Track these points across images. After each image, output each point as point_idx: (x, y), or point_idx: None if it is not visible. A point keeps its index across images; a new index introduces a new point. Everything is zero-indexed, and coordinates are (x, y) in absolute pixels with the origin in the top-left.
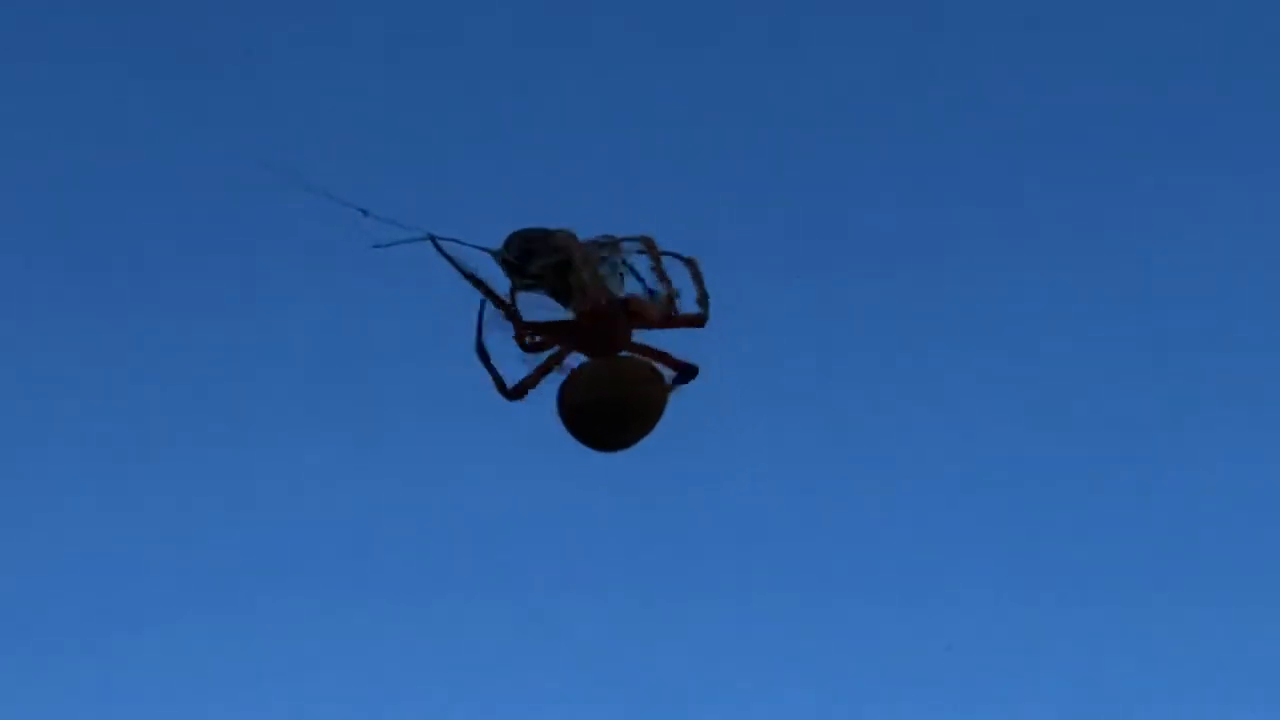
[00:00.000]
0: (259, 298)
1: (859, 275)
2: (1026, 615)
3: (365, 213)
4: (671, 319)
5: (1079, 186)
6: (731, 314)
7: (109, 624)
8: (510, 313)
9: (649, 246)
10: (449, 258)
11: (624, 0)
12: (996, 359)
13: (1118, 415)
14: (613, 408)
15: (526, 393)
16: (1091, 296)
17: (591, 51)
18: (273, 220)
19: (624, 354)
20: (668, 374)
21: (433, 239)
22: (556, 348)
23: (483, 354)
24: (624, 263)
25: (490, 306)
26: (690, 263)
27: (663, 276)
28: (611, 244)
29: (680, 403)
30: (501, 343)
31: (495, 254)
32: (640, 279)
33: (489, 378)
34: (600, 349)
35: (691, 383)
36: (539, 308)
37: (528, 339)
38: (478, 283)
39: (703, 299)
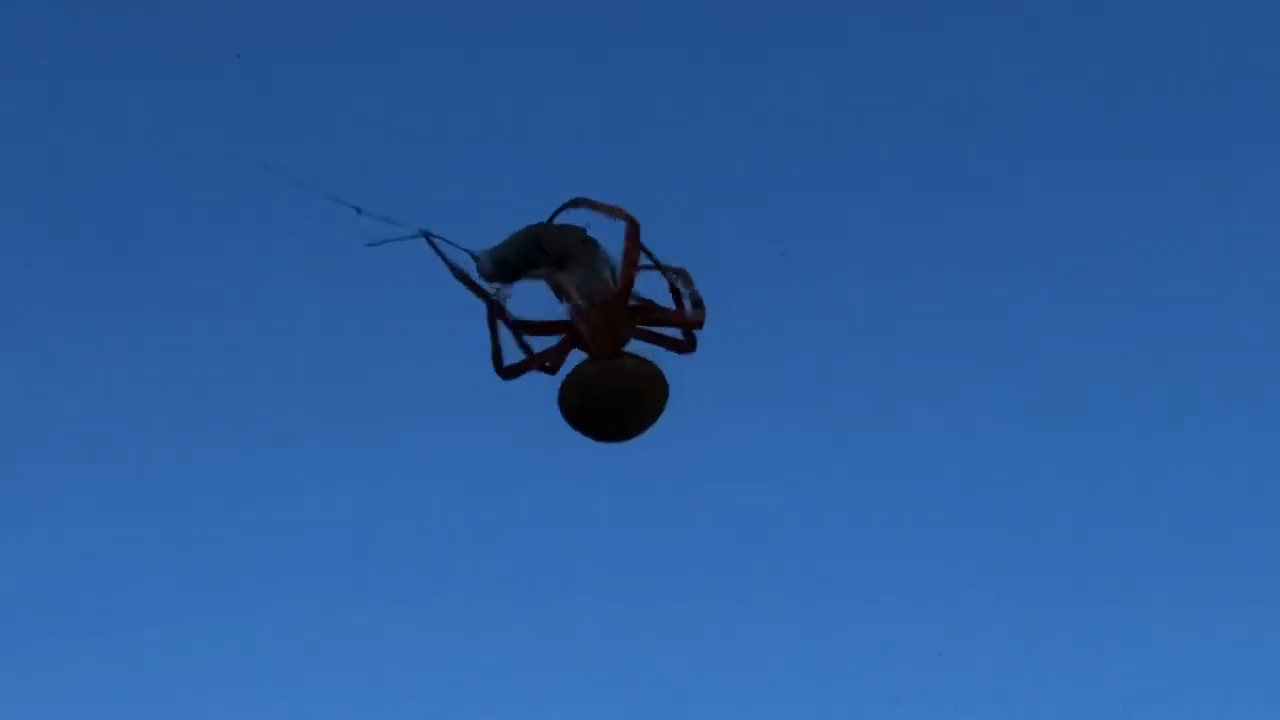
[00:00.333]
0: (254, 295)
1: (858, 275)
2: (1027, 615)
3: (360, 210)
4: (669, 318)
5: (1078, 186)
6: (730, 313)
7: (112, 623)
8: (500, 312)
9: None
10: (442, 256)
11: None
12: (996, 358)
13: (1118, 413)
14: (614, 406)
15: (519, 375)
16: (1092, 296)
17: (588, 48)
18: (268, 217)
19: (625, 352)
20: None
21: (427, 236)
22: (557, 338)
23: (493, 323)
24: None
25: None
26: (680, 272)
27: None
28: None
29: (681, 400)
30: (510, 337)
31: (479, 259)
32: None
33: (490, 347)
34: (601, 348)
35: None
36: (531, 304)
37: (525, 337)
38: (469, 282)
39: (697, 302)
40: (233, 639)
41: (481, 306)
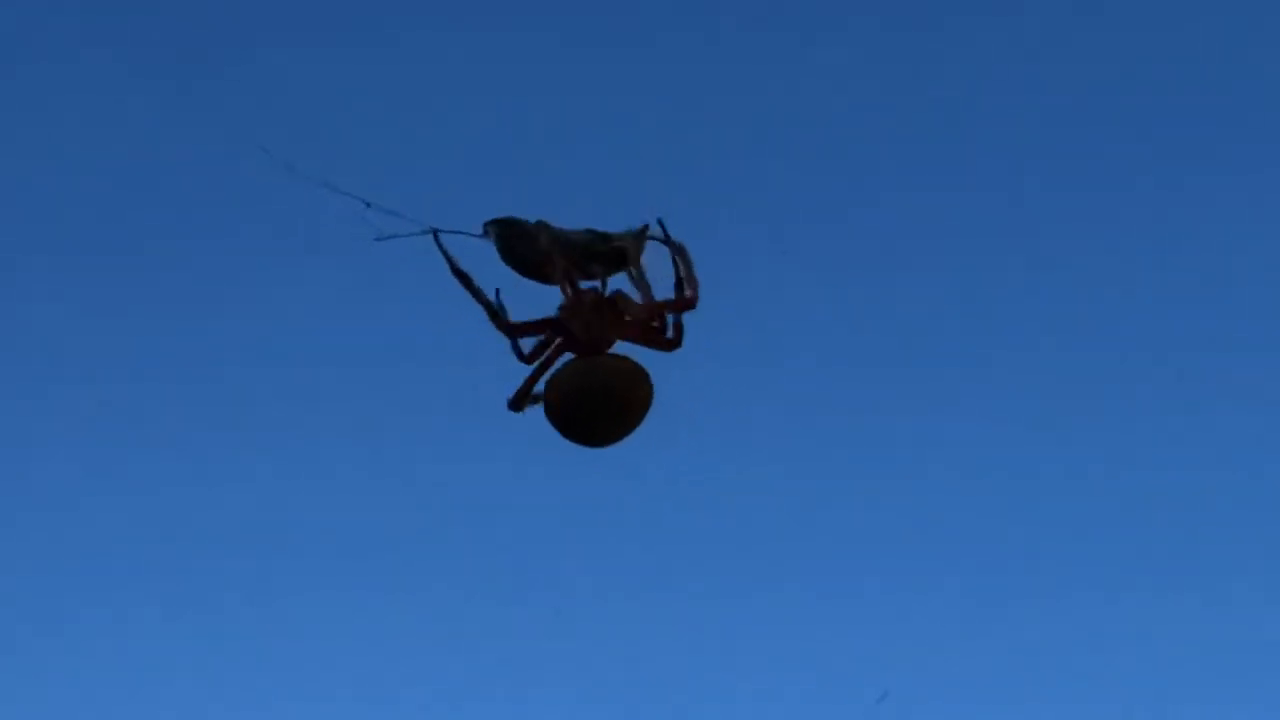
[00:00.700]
0: (261, 290)
1: (858, 268)
2: (1028, 612)
3: (368, 205)
4: (660, 305)
5: (1079, 185)
6: (725, 304)
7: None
8: (496, 316)
9: (640, 238)
10: (447, 255)
11: None
12: (995, 352)
13: (1121, 406)
14: (592, 405)
15: (526, 398)
16: (1093, 289)
17: (592, 41)
18: (276, 212)
19: (610, 352)
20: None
21: (435, 233)
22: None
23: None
24: (610, 255)
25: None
26: (679, 249)
27: (641, 278)
28: (595, 238)
29: (669, 396)
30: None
31: (495, 232)
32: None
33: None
34: (585, 347)
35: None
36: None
37: (524, 349)
38: (469, 284)
39: (692, 283)
40: (230, 639)
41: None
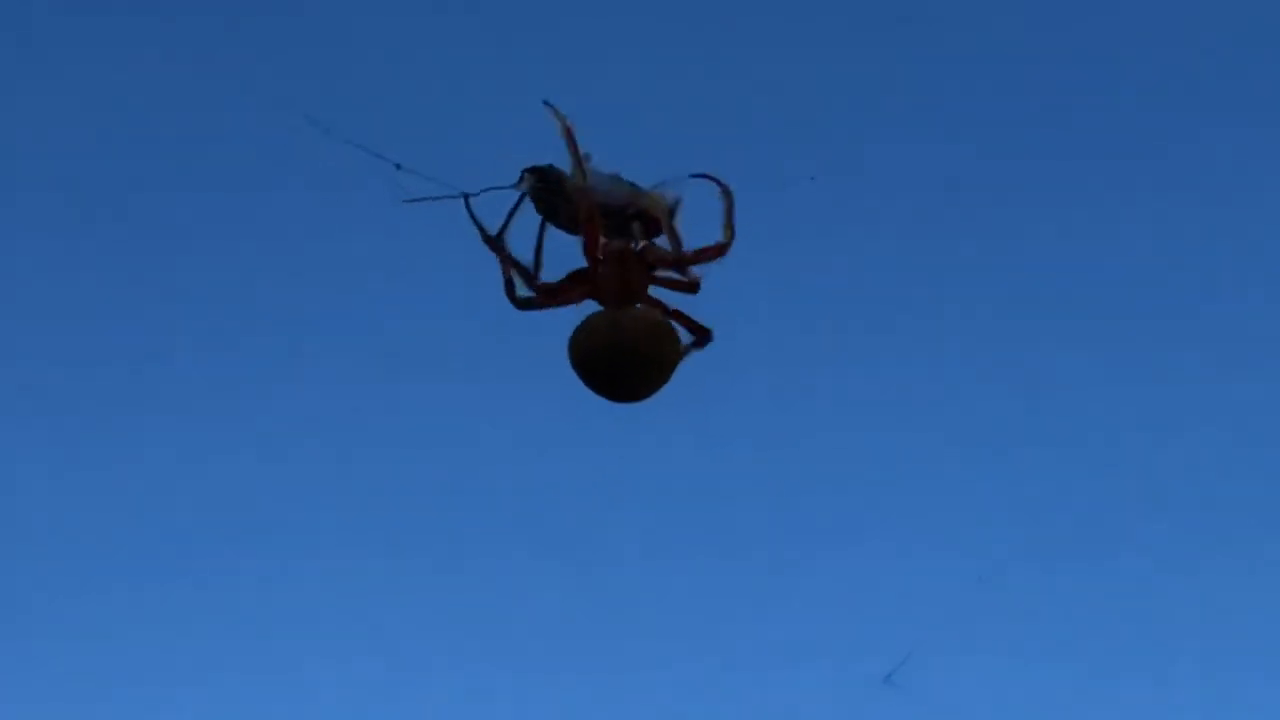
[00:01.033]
0: (290, 248)
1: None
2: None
3: (399, 167)
4: (692, 256)
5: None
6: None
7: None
8: (528, 277)
9: (726, 200)
10: (475, 220)
11: None
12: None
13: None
14: (622, 358)
15: (532, 307)
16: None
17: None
18: (306, 173)
19: (639, 306)
20: (683, 335)
21: (465, 197)
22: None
23: (500, 250)
24: (643, 210)
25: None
26: (727, 192)
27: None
28: (632, 193)
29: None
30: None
31: (526, 182)
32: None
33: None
34: (614, 298)
35: (705, 348)
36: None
37: (544, 298)
38: (498, 248)
39: (728, 228)
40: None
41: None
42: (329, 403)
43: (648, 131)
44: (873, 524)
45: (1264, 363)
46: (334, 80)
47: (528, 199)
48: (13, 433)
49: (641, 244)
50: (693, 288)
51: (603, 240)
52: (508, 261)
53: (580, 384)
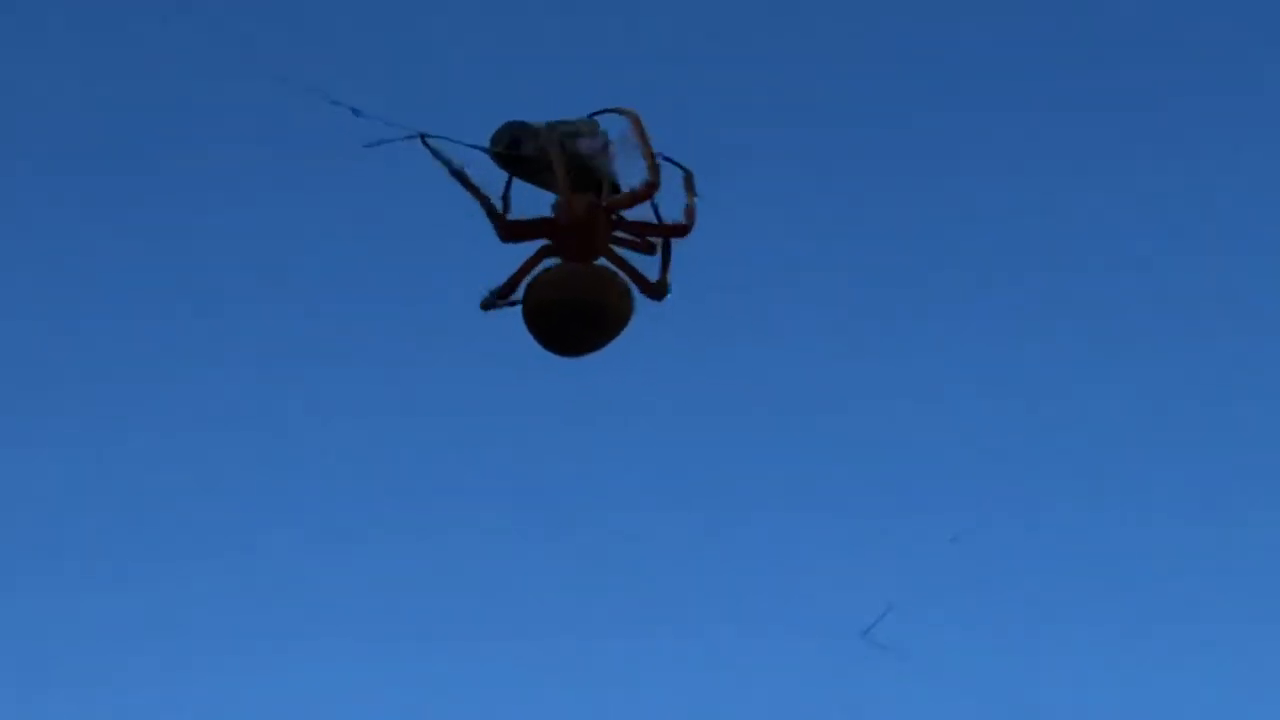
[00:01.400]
0: (251, 196)
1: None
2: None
3: (357, 112)
4: (653, 226)
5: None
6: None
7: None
8: (494, 214)
9: (634, 123)
10: (439, 156)
11: None
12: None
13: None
14: (571, 311)
15: (506, 296)
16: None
17: None
18: (264, 118)
19: (599, 261)
20: (635, 290)
21: (423, 137)
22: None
23: (470, 186)
24: (605, 149)
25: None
26: (687, 173)
27: (648, 156)
28: (591, 130)
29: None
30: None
31: (487, 150)
32: (620, 168)
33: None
34: (576, 253)
35: (659, 302)
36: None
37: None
38: (466, 181)
39: (690, 209)
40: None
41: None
42: (301, 354)
43: (599, 76)
44: (851, 482)
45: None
46: (291, 30)
47: (486, 152)
48: None
49: (608, 202)
50: (682, 231)
51: (573, 196)
52: (475, 193)
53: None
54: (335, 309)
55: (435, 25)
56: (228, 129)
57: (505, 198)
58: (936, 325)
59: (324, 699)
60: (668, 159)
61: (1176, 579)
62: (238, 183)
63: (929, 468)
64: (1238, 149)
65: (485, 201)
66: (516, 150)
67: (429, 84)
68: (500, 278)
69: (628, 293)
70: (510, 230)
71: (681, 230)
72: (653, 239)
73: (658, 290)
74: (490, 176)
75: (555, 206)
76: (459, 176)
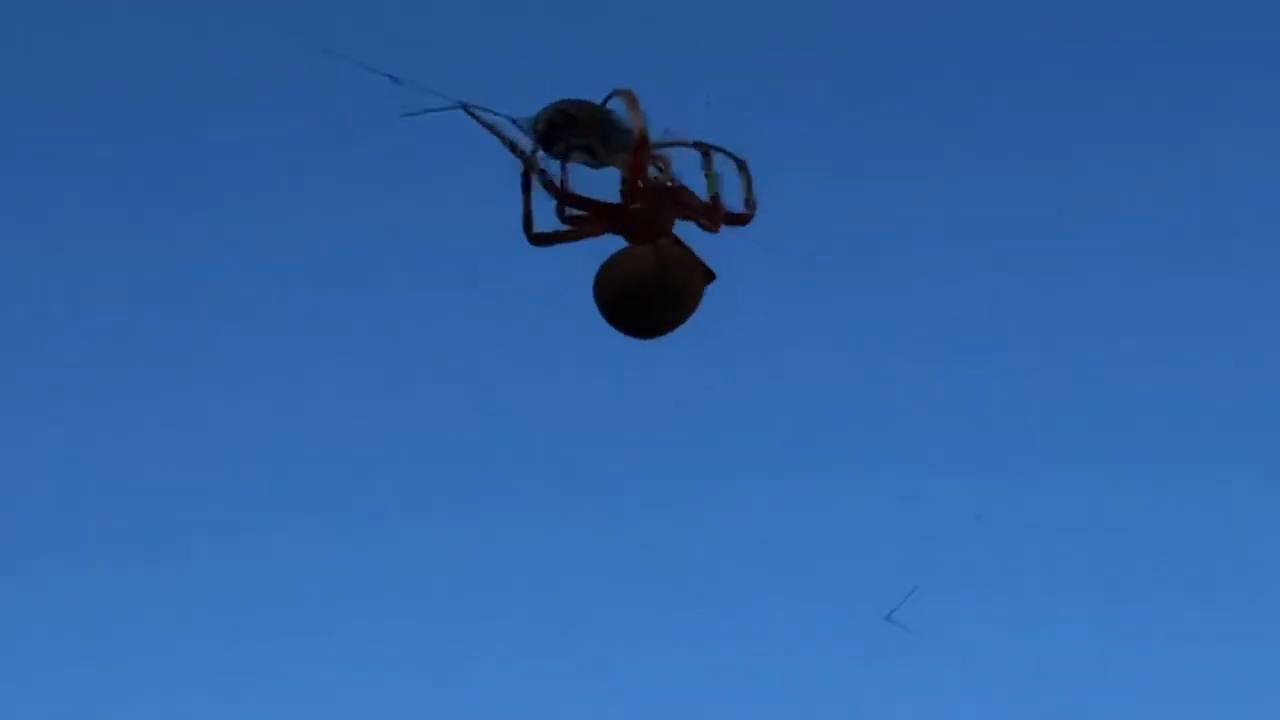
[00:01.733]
0: (288, 166)
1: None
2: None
3: (396, 80)
4: (716, 216)
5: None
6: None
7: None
8: (550, 183)
9: (701, 150)
10: (486, 125)
11: None
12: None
13: None
14: (656, 294)
15: (550, 245)
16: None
17: None
18: (303, 88)
19: (663, 241)
20: None
21: (465, 106)
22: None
23: (526, 187)
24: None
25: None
26: (740, 163)
27: (711, 177)
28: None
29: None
30: (544, 204)
31: (528, 123)
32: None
33: (521, 211)
34: (642, 234)
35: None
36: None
37: (568, 210)
38: (517, 150)
39: (750, 200)
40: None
41: (516, 172)
42: (333, 325)
43: (639, 52)
44: (874, 460)
45: None
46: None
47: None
48: None
49: (673, 184)
50: (743, 219)
51: (642, 177)
52: (525, 160)
53: (596, 314)
54: (372, 284)
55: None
56: (264, 98)
57: (562, 171)
58: (964, 306)
59: (323, 699)
60: (718, 149)
61: (1215, 558)
62: (272, 151)
63: (954, 444)
64: None
65: (540, 172)
66: (570, 128)
67: (467, 56)
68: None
69: (699, 272)
70: (570, 204)
71: (743, 219)
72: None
73: (709, 276)
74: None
75: (623, 188)
76: (506, 142)
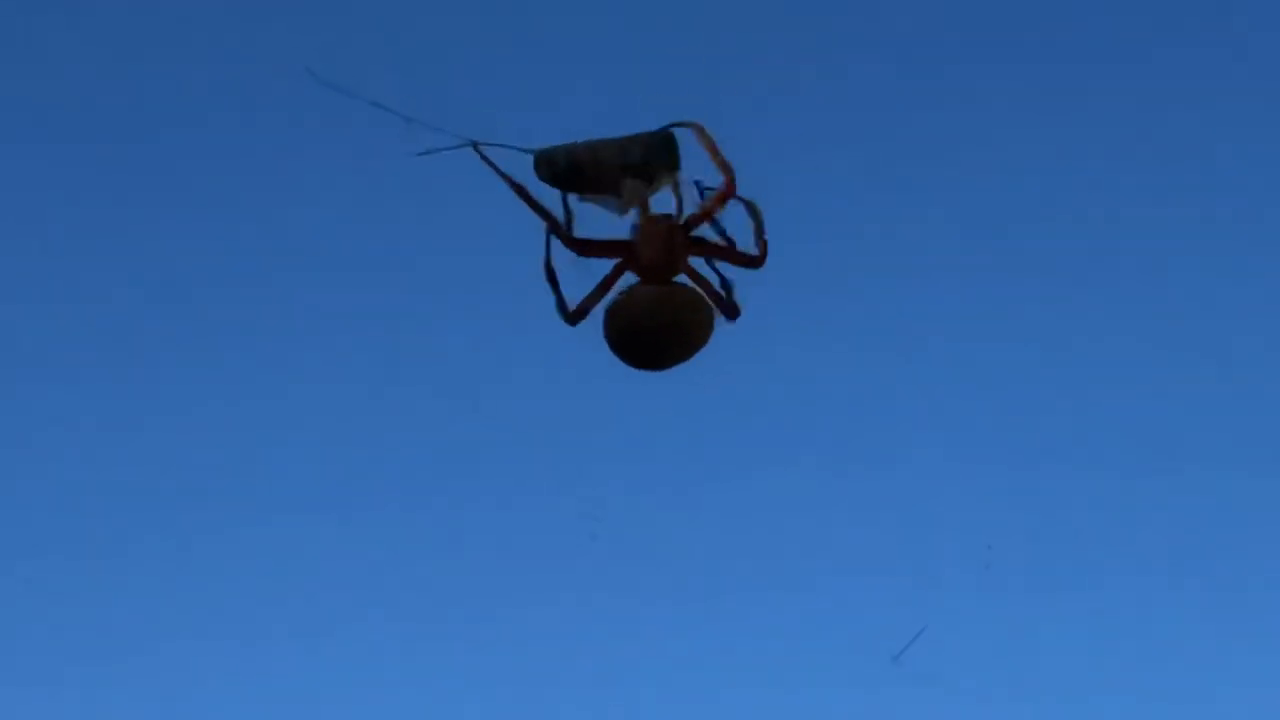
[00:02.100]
0: (301, 205)
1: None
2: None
3: (410, 120)
4: (727, 253)
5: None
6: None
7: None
8: (556, 226)
9: (704, 139)
10: (494, 167)
11: None
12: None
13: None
14: (660, 334)
15: (586, 315)
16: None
17: None
18: (315, 126)
19: (678, 280)
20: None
21: (476, 146)
22: (611, 261)
23: (550, 275)
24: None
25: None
26: (753, 208)
27: (720, 164)
28: (670, 160)
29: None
30: (562, 256)
31: (537, 157)
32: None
33: (553, 298)
34: (655, 273)
35: (731, 323)
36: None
37: (580, 247)
38: (523, 193)
39: (761, 243)
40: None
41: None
42: (342, 358)
43: (652, 84)
44: (874, 461)
45: None
46: (342, 37)
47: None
48: None
49: (686, 220)
50: (757, 262)
51: (651, 214)
52: (536, 208)
53: (606, 348)
54: (383, 318)
55: (488, 30)
56: (272, 135)
57: (566, 210)
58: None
59: (323, 699)
60: (733, 195)
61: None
62: (281, 190)
63: (958, 469)
64: None
65: (549, 216)
66: (578, 173)
67: (477, 94)
68: (543, 288)
69: (711, 311)
70: (583, 249)
71: (756, 262)
72: (724, 267)
73: (730, 310)
74: (544, 190)
75: (634, 230)
76: (517, 188)
